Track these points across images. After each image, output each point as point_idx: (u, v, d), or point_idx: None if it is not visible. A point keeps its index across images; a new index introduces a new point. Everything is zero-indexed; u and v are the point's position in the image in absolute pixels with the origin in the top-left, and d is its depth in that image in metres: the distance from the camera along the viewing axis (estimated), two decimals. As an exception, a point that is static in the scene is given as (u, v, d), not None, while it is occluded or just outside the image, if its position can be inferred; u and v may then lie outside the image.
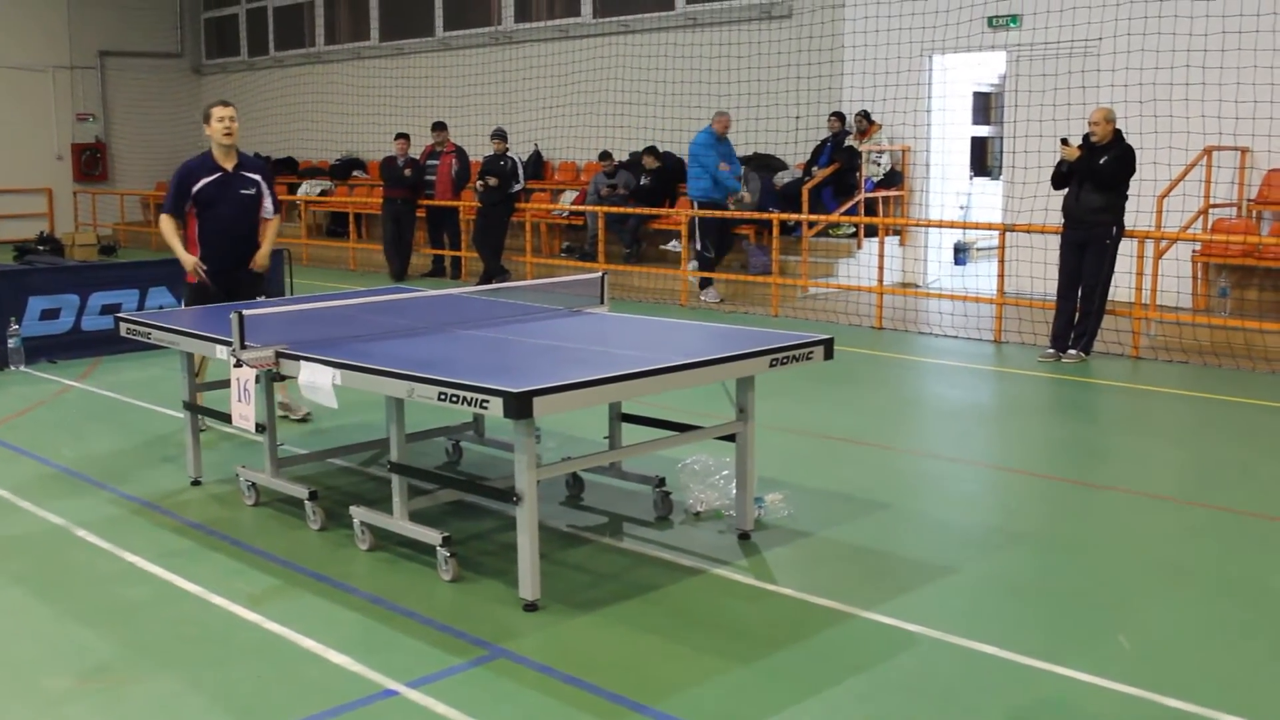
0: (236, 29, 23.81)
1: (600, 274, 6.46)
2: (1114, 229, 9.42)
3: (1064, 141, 9.67)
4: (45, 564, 5.28)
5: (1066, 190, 9.62)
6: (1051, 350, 9.77)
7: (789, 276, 13.00)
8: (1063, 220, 9.71)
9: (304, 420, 7.66)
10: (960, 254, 15.14)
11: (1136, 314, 10.03)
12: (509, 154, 14.95)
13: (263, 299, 7.32)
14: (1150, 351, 9.91)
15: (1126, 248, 9.71)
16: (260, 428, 5.66)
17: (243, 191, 7.20)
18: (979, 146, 16.28)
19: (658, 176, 15.08)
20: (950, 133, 14.40)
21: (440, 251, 16.19)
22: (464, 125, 18.12)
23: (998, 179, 15.19)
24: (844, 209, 13.75)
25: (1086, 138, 9.50)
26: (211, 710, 3.88)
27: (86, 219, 22.33)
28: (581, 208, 15.55)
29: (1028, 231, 10.85)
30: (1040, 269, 10.71)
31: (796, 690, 3.94)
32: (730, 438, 5.42)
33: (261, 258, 7.35)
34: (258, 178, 7.31)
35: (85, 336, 10.09)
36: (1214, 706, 3.79)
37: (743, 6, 15.50)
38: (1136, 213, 10.11)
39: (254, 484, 5.99)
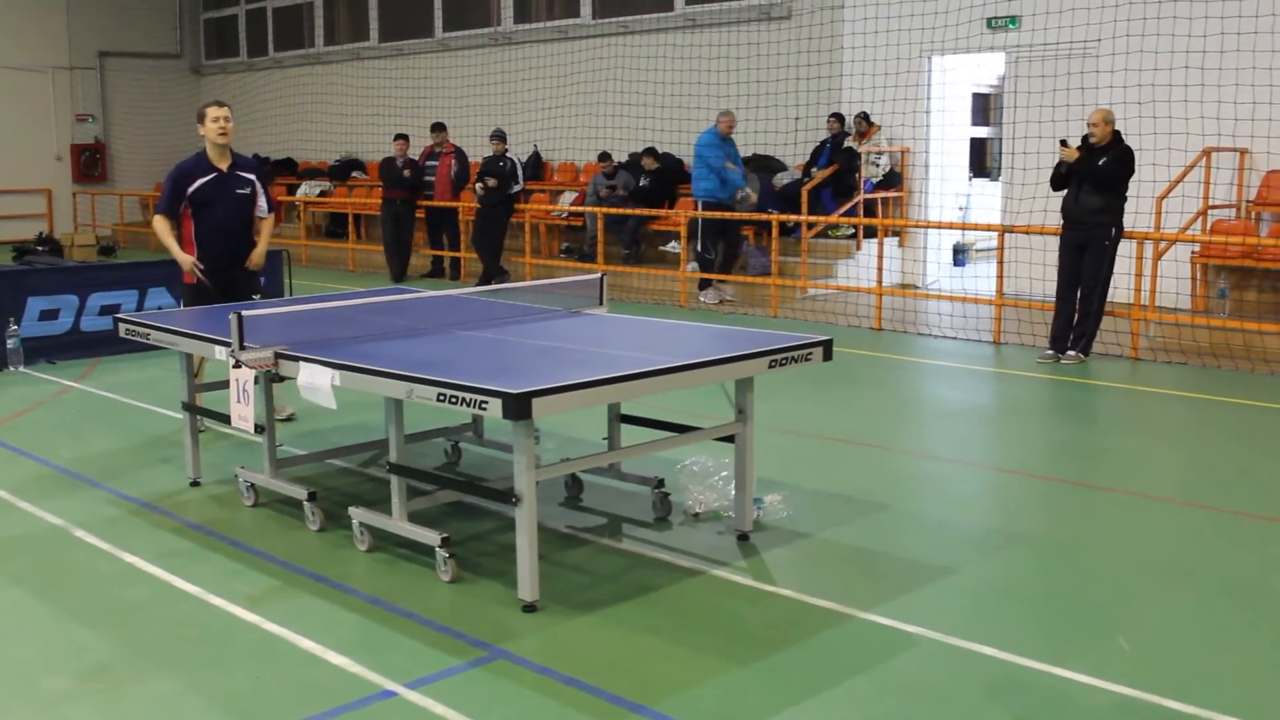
0: (236, 30, 23.81)
1: (599, 275, 6.46)
2: (1113, 230, 9.42)
3: (1063, 143, 9.67)
4: (44, 564, 5.28)
5: (1065, 191, 9.62)
6: (1050, 351, 9.76)
7: (788, 278, 12.99)
8: (1062, 221, 9.71)
9: (288, 420, 7.64)
10: (959, 255, 15.13)
11: (1135, 315, 10.03)
12: (508, 155, 14.93)
13: (259, 298, 7.35)
14: (1149, 353, 9.91)
15: (1125, 249, 9.72)
16: (259, 428, 5.67)
17: (238, 191, 7.27)
18: (978, 148, 16.28)
19: (657, 177, 15.06)
20: (949, 134, 14.41)
21: (439, 252, 16.18)
22: (463, 126, 18.11)
23: (997, 180, 15.20)
24: (843, 210, 13.75)
25: (1085, 139, 9.50)
26: (210, 711, 3.87)
27: (86, 220, 22.34)
28: (581, 209, 15.55)
29: (1027, 233, 10.85)
30: (1039, 270, 10.71)
31: (795, 691, 3.93)
32: (729, 439, 5.42)
33: (257, 256, 7.43)
34: (252, 177, 7.39)
35: (84, 337, 10.09)
36: (1213, 707, 3.79)
37: (742, 7, 15.50)
38: (1135, 214, 10.11)
39: (253, 485, 5.99)
